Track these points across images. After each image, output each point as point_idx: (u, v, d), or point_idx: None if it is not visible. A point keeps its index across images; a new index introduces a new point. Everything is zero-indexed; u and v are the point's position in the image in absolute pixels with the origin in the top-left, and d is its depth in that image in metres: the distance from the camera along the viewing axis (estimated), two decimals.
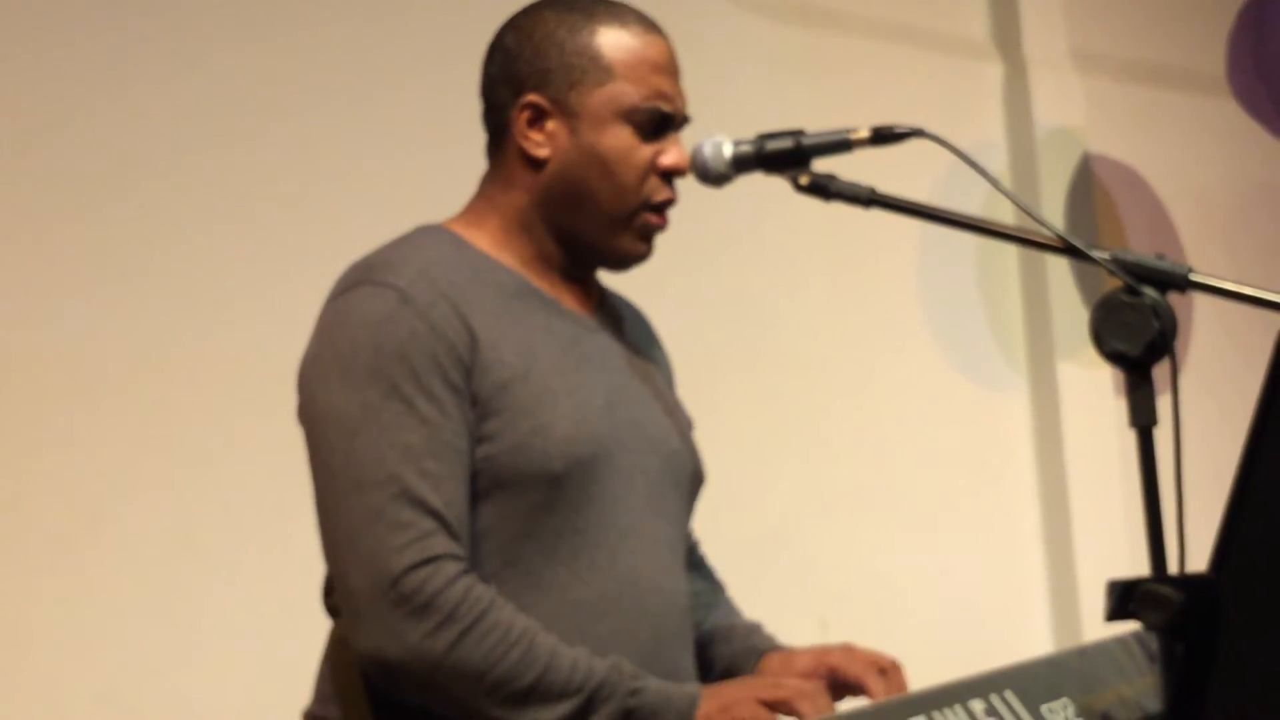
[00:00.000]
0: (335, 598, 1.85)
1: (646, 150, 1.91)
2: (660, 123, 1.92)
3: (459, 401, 1.79)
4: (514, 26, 1.96)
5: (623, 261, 1.95)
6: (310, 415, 1.83)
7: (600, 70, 1.89)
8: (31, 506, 3.02)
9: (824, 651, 1.91)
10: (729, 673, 2.00)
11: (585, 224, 1.92)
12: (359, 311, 1.81)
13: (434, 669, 1.71)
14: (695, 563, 2.15)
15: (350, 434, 1.76)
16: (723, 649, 2.05)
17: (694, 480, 2.04)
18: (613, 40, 1.90)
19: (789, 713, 1.70)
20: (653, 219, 1.92)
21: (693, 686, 1.77)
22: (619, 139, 1.89)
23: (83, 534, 3.06)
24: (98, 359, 3.13)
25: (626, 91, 1.89)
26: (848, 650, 1.90)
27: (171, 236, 3.23)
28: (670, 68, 1.94)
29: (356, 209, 3.35)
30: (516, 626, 1.73)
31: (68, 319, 3.11)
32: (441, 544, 1.73)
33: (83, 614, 3.04)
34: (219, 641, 3.15)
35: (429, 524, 1.73)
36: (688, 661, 1.96)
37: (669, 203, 1.93)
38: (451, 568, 1.73)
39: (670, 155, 1.92)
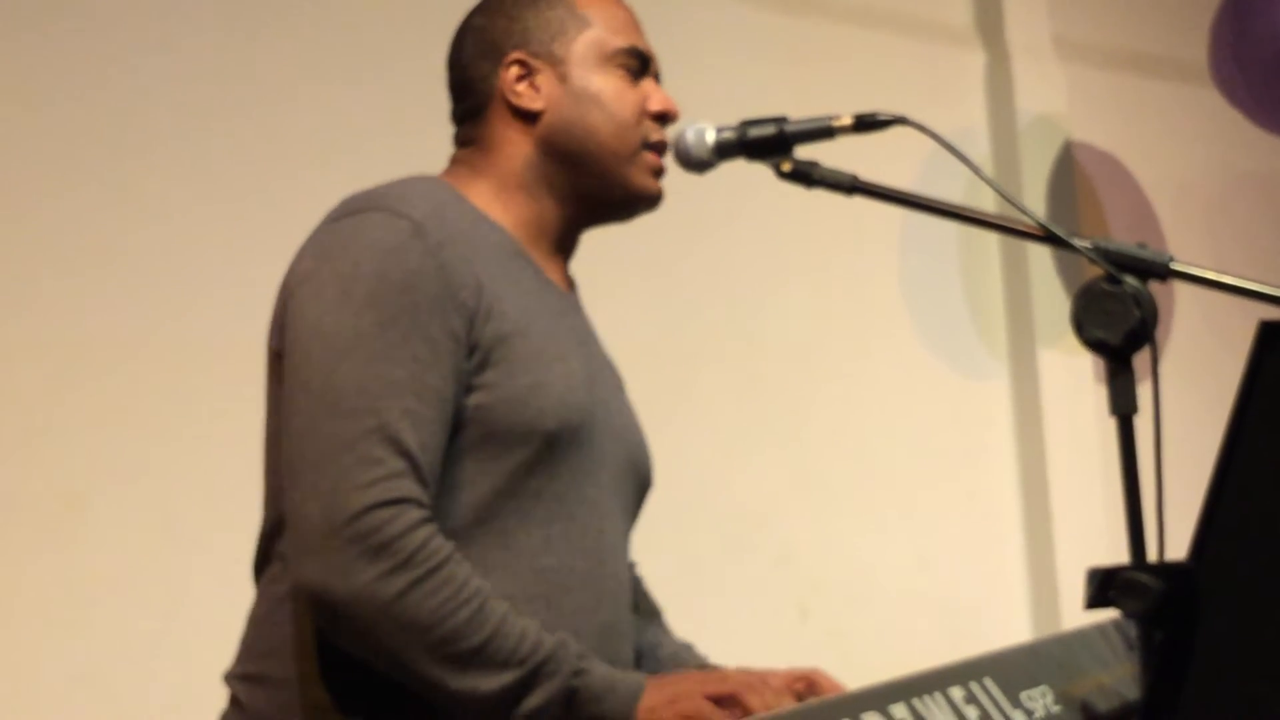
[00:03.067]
0: (283, 540, 1.76)
1: (637, 92, 1.93)
2: (642, 65, 1.94)
3: (454, 348, 1.73)
4: (481, 9, 1.98)
5: (636, 198, 1.93)
6: (296, 330, 1.74)
7: (577, 19, 1.93)
8: (12, 491, 3.02)
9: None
10: None
11: (592, 165, 1.91)
12: (369, 236, 1.75)
13: (379, 614, 1.63)
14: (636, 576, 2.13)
15: (337, 356, 1.69)
16: (648, 665, 1.99)
17: (647, 481, 2.01)
18: None
19: (735, 706, 1.67)
20: (654, 157, 1.93)
21: (639, 675, 1.72)
22: (610, 80, 1.92)
23: (63, 519, 3.05)
24: (78, 345, 3.12)
25: (608, 37, 1.93)
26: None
27: (152, 222, 3.22)
28: (637, 23, 1.98)
29: (338, 195, 3.34)
30: (470, 585, 1.67)
31: (48, 305, 3.11)
32: (409, 487, 1.66)
33: (63, 598, 3.03)
34: (198, 626, 3.15)
35: (400, 464, 1.66)
36: (629, 653, 1.92)
37: (664, 144, 1.94)
38: (415, 513, 1.66)
39: (659, 100, 1.94)
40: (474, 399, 1.74)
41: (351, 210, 1.80)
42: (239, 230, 3.30)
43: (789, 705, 1.66)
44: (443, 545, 1.67)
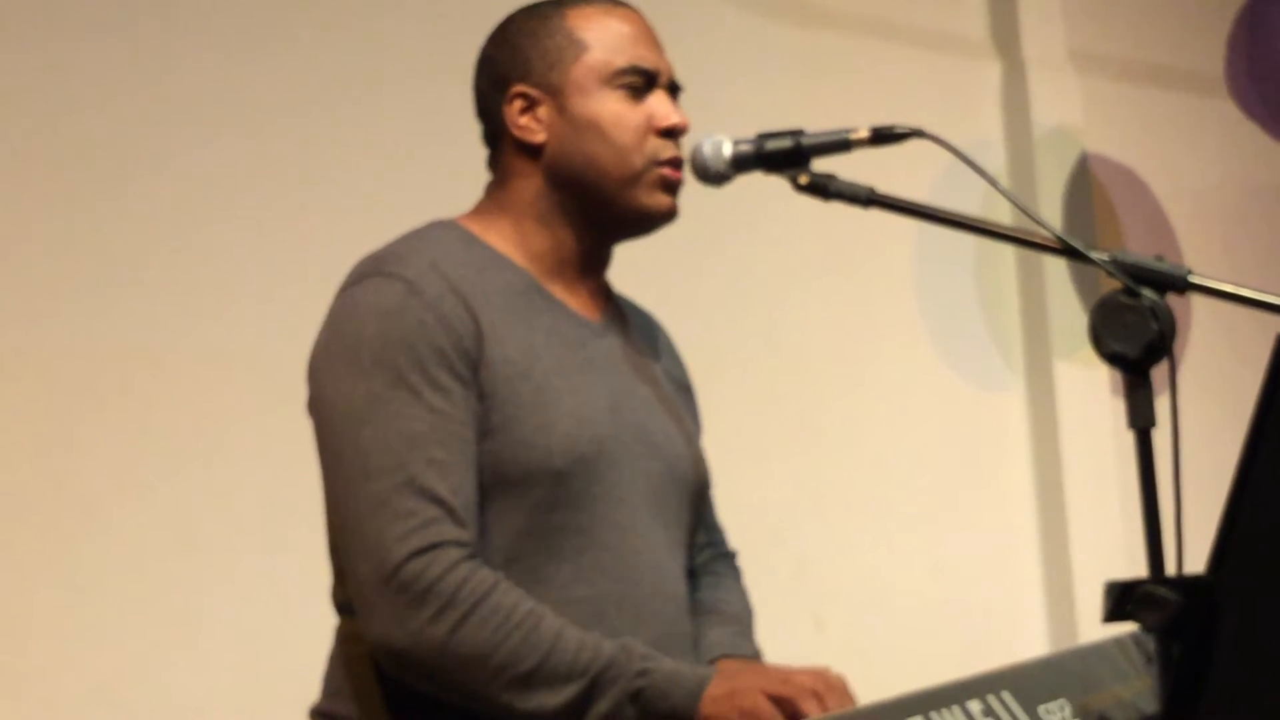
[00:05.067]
0: (342, 591, 1.86)
1: (639, 112, 1.92)
2: (647, 81, 1.93)
3: (465, 391, 1.79)
4: (491, 39, 2.00)
5: (647, 219, 1.94)
6: (319, 405, 1.85)
7: (575, 45, 1.92)
8: (30, 504, 3.02)
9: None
10: None
11: (597, 192, 1.92)
12: (367, 303, 1.83)
13: (438, 656, 1.72)
14: (723, 570, 2.14)
15: (357, 423, 1.77)
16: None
17: (697, 487, 2.03)
18: (582, 17, 1.94)
19: (793, 710, 1.69)
20: (665, 172, 1.92)
21: (707, 668, 1.77)
22: (608, 103, 1.91)
23: (81, 531, 3.06)
24: (95, 357, 3.12)
25: (605, 58, 1.92)
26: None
27: (169, 235, 3.23)
28: (644, 35, 1.96)
29: (353, 207, 3.35)
30: (520, 610, 1.73)
31: (65, 317, 3.11)
32: (444, 531, 1.74)
33: (80, 611, 3.04)
34: (216, 639, 3.15)
35: (433, 511, 1.74)
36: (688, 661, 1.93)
37: (675, 160, 1.93)
38: (453, 554, 1.73)
39: (663, 114, 1.92)
40: (484, 445, 1.81)
41: (353, 279, 1.88)
42: (258, 243, 3.30)
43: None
44: (486, 578, 1.74)
